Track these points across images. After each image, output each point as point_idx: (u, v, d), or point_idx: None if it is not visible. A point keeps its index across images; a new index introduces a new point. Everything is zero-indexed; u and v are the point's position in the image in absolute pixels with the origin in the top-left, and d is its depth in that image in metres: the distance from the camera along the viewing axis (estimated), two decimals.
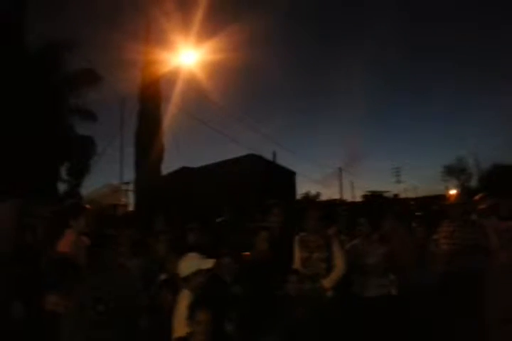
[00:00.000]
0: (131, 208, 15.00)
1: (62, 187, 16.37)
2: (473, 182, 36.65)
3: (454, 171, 40.02)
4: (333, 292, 3.75)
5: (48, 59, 14.39)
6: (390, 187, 53.66)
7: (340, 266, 3.82)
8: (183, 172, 27.69)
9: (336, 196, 33.36)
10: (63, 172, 16.58)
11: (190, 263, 3.00)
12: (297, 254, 3.84)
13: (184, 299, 2.89)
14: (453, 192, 21.75)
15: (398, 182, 49.18)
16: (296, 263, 3.80)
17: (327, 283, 3.72)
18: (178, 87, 16.16)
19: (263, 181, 24.52)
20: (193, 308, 2.70)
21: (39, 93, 13.35)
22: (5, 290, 2.63)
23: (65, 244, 3.28)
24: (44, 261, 3.01)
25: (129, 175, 17.20)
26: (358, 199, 31.80)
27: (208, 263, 3.00)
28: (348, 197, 36.14)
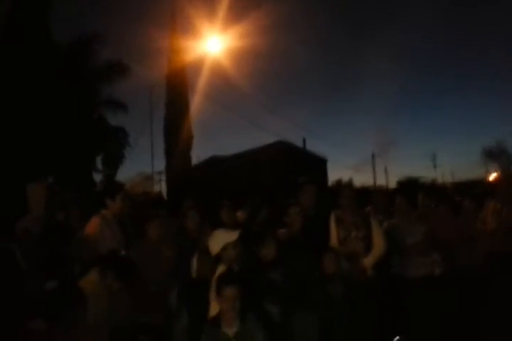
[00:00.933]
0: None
1: (97, 177, 16.81)
2: None
3: (494, 154, 38.16)
4: (373, 271, 3.56)
5: (78, 53, 14.62)
6: (426, 172, 51.82)
7: (381, 244, 3.62)
8: (213, 160, 27.85)
9: (370, 182, 32.58)
10: (98, 163, 16.98)
11: (217, 239, 2.90)
12: (334, 232, 3.65)
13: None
14: (494, 175, 20.81)
15: (434, 166, 47.59)
16: (333, 242, 3.62)
17: (367, 261, 3.53)
18: (205, 75, 16.12)
19: (293, 168, 24.24)
20: (220, 283, 2.55)
21: (71, 87, 13.64)
22: (37, 269, 2.61)
23: (93, 224, 3.21)
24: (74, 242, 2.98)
25: (161, 164, 17.47)
26: (393, 186, 30.89)
27: (234, 235, 2.90)
28: (381, 183, 35.12)
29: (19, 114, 11.70)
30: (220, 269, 2.82)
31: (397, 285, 3.88)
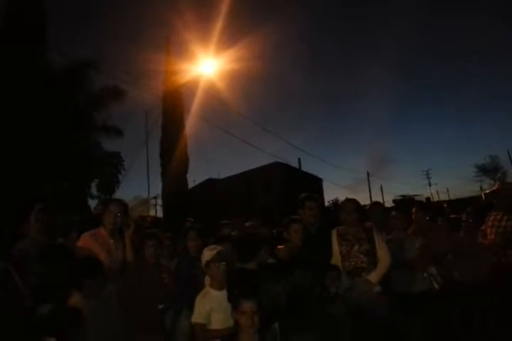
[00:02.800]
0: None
1: (92, 203, 16.68)
2: (509, 180, 35.23)
3: (488, 170, 38.71)
4: (380, 288, 3.45)
5: (74, 79, 14.68)
6: (421, 190, 52.08)
7: (386, 258, 3.54)
8: (210, 183, 27.83)
9: (366, 201, 32.54)
10: (93, 189, 16.90)
11: (208, 251, 2.91)
12: (336, 248, 3.59)
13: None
14: (495, 186, 20.88)
15: (429, 184, 48.10)
16: (336, 257, 3.55)
17: (374, 277, 3.42)
18: (201, 97, 16.25)
19: (289, 188, 24.25)
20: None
21: (66, 114, 13.68)
22: (33, 290, 2.56)
23: (81, 242, 3.18)
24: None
25: (158, 188, 17.37)
26: (388, 205, 30.82)
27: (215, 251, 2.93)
28: None
29: (12, 142, 11.65)
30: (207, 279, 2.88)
31: (404, 301, 3.82)
